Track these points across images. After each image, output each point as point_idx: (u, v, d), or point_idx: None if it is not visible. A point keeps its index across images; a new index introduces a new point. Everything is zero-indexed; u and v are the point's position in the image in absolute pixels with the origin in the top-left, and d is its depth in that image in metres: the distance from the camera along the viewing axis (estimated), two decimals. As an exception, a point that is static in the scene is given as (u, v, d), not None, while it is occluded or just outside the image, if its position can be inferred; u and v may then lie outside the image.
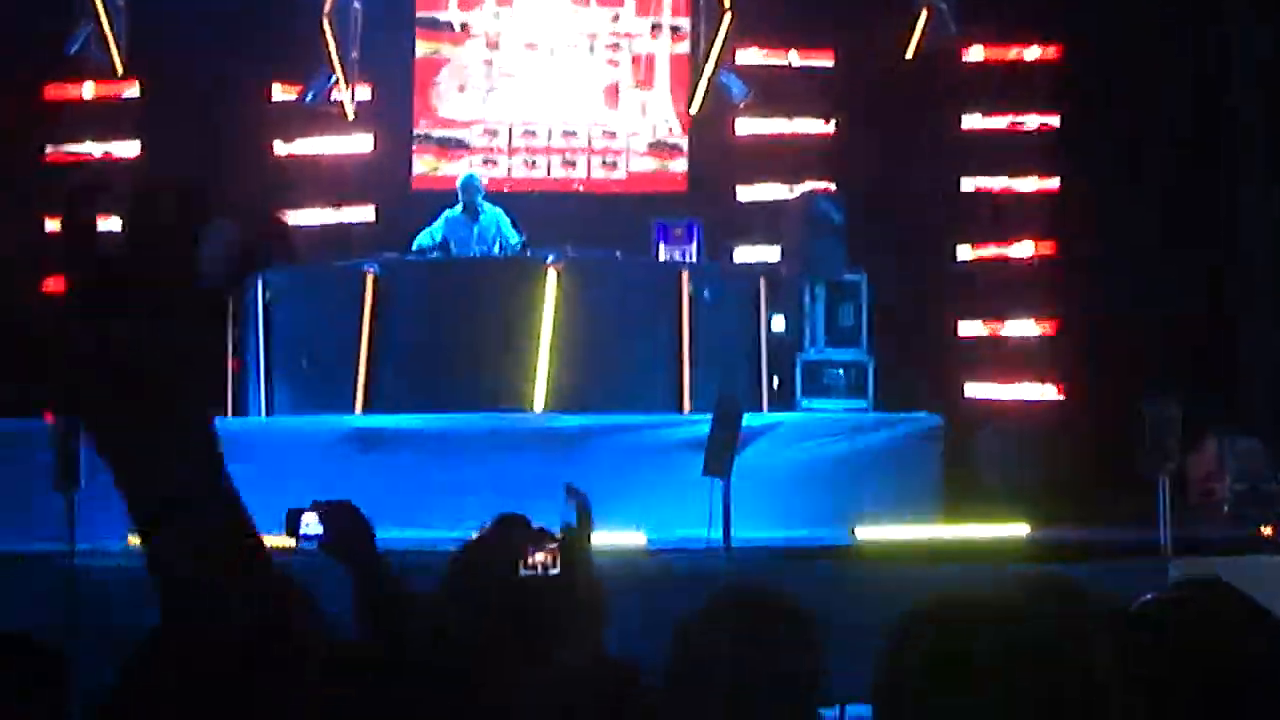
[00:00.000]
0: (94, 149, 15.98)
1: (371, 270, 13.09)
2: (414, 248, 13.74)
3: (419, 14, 16.53)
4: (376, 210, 16.13)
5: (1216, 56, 15.29)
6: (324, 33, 15.87)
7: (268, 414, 13.33)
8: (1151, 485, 10.69)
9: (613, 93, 16.50)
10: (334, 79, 15.95)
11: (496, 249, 13.59)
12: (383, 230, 15.62)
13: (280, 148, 16.23)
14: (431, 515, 10.06)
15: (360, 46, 16.08)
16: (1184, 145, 15.22)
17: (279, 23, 15.87)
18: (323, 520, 3.91)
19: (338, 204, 16.14)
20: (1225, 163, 15.25)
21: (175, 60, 15.34)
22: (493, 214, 13.86)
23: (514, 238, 13.68)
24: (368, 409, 12.74)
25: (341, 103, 16.03)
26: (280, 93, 16.20)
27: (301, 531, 3.91)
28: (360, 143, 16.27)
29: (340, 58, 15.92)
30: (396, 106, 16.37)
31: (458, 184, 14.10)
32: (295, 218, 16.04)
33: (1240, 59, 15.19)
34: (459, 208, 13.84)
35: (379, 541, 3.97)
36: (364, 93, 16.20)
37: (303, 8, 15.85)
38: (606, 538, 9.82)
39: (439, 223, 13.81)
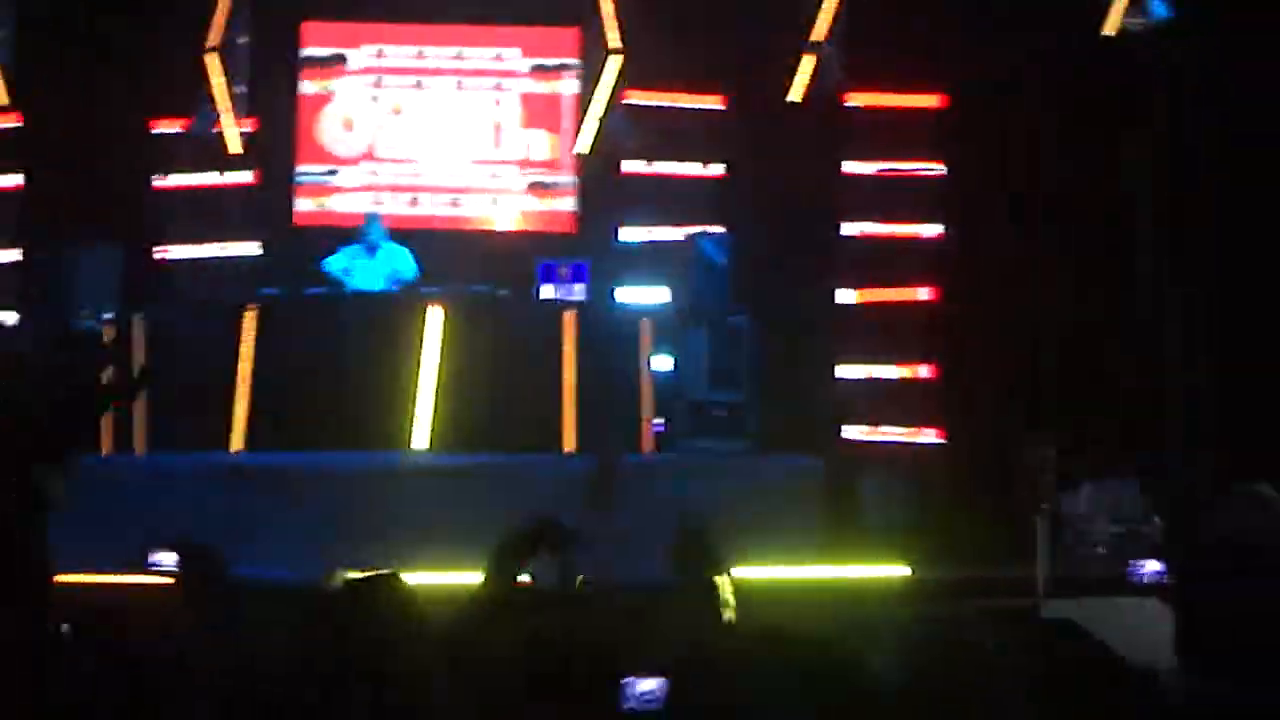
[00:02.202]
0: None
1: (252, 306, 13.02)
2: (325, 269, 13.71)
3: (304, 50, 16.46)
4: (260, 246, 16.03)
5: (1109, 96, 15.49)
6: (208, 67, 15.80)
7: (148, 450, 13.18)
8: (1029, 526, 10.80)
9: (499, 131, 16.50)
10: (218, 113, 15.86)
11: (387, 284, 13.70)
12: (265, 266, 15.53)
13: (162, 181, 16.09)
14: (306, 554, 9.96)
15: (245, 80, 16.01)
16: (1068, 194, 15.40)
17: (163, 56, 15.77)
18: (179, 556, 3.88)
19: (220, 239, 16.01)
20: (1109, 212, 15.43)
21: (57, 92, 15.21)
22: (391, 251, 13.94)
23: (410, 273, 13.79)
24: (246, 446, 12.64)
25: (225, 137, 15.93)
26: (162, 126, 16.07)
27: (155, 565, 3.88)
28: (243, 178, 16.16)
29: (225, 92, 15.84)
30: (280, 142, 16.28)
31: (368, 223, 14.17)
32: (176, 252, 15.93)
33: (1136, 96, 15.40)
34: (360, 244, 13.92)
35: (250, 577, 3.95)
36: (248, 127, 16.11)
37: (187, 42, 15.75)
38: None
39: (341, 255, 13.88)
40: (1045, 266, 15.19)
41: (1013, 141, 15.27)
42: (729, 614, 6.07)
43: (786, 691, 2.55)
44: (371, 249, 14.00)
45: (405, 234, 14.85)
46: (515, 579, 3.65)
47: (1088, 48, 15.06)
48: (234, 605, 3.90)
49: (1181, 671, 3.74)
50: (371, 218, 14.37)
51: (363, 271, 13.89)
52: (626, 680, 3.34)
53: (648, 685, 3.50)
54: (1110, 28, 15.11)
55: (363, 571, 3.77)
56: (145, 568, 3.83)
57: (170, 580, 3.93)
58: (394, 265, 13.97)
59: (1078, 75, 15.17)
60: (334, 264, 13.97)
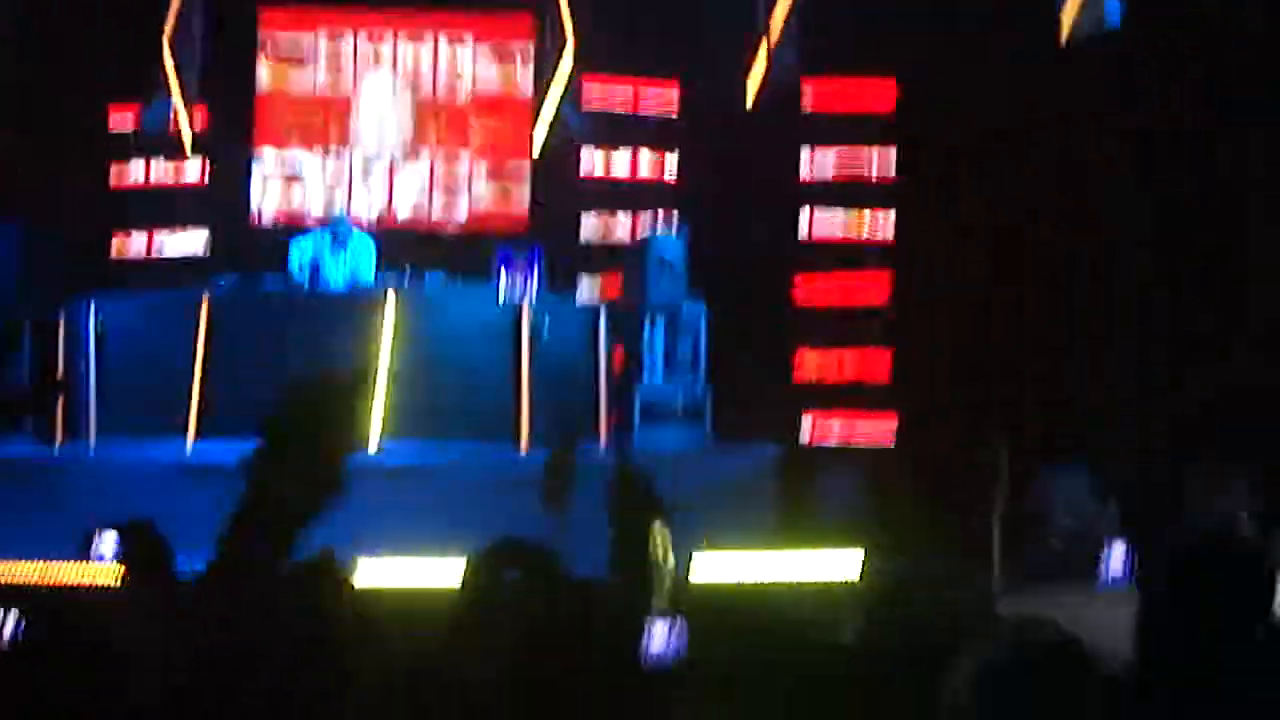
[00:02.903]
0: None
1: (207, 297, 12.96)
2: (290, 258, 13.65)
3: (261, 41, 16.39)
4: (214, 237, 15.96)
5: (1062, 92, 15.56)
6: (164, 58, 15.71)
7: (99, 442, 13.12)
8: (985, 518, 10.83)
9: (454, 122, 16.45)
10: (173, 103, 15.77)
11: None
12: (220, 258, 15.47)
13: (116, 173, 16.01)
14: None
15: (201, 72, 15.93)
16: (1021, 186, 15.45)
17: (117, 47, 15.69)
18: (121, 539, 3.84)
19: (174, 230, 15.94)
20: (1069, 192, 15.50)
21: (8, 83, 15.11)
22: (358, 245, 13.90)
23: (368, 276, 13.76)
24: (200, 438, 12.59)
25: (180, 129, 15.85)
26: (117, 118, 15.99)
27: (97, 552, 3.85)
28: (198, 170, 16.08)
29: (180, 83, 15.75)
30: (236, 132, 16.21)
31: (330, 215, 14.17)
32: (131, 244, 15.86)
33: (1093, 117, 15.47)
34: (325, 235, 13.85)
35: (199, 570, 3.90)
36: (204, 117, 16.03)
37: (142, 32, 15.66)
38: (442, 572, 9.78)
39: (308, 241, 13.84)
40: (998, 258, 15.25)
41: (967, 137, 15.32)
42: (668, 561, 6.02)
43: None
44: (339, 242, 13.91)
45: (362, 225, 14.80)
46: (485, 598, 3.61)
47: (1045, 49, 15.13)
48: (180, 595, 3.86)
49: (1138, 663, 3.77)
50: (339, 211, 14.31)
51: (328, 266, 13.80)
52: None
53: (662, 631, 3.50)
54: (1065, 32, 15.16)
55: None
56: (88, 558, 3.80)
57: (116, 570, 3.88)
58: (357, 263, 13.90)
59: (1033, 75, 15.23)
60: (300, 253, 13.88)
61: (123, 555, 3.89)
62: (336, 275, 13.80)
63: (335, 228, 13.99)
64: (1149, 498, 12.16)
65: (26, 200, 14.70)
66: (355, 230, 14.14)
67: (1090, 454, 13.87)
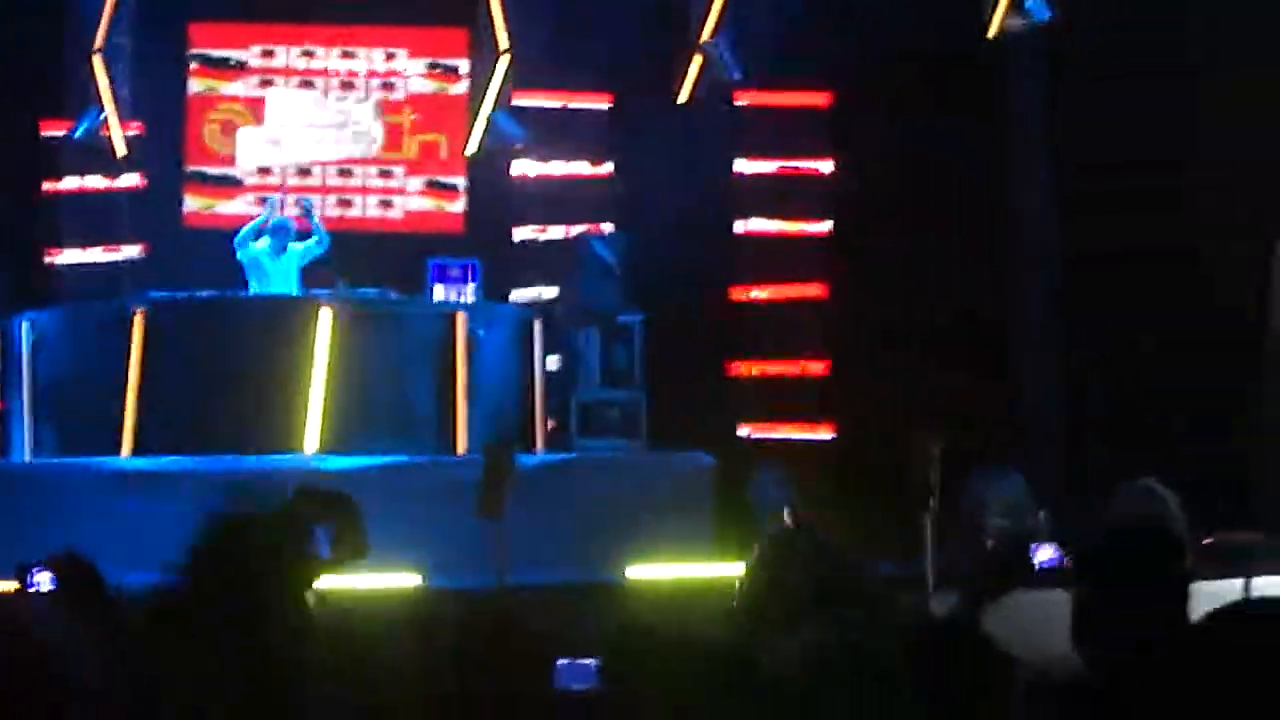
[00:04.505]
0: None
1: (140, 309, 12.90)
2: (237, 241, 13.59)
3: (192, 51, 16.35)
4: (147, 249, 15.89)
5: (990, 98, 15.69)
6: (94, 69, 15.66)
7: (33, 456, 13.06)
8: (919, 521, 10.91)
9: (389, 132, 16.46)
10: (104, 116, 15.70)
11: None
12: (153, 269, 15.40)
13: (49, 185, 15.93)
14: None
15: (131, 83, 15.87)
16: (955, 183, 15.57)
17: (49, 58, 15.62)
18: (54, 575, 3.85)
19: (107, 242, 15.87)
20: (996, 199, 15.63)
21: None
22: (295, 254, 13.78)
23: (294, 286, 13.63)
24: (136, 451, 12.53)
25: (111, 139, 15.78)
26: (49, 129, 15.91)
27: (33, 588, 3.87)
28: (131, 180, 16.01)
29: (111, 94, 15.69)
30: (168, 143, 16.16)
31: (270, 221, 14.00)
32: (64, 256, 15.78)
33: (1016, 98, 15.61)
34: (264, 242, 13.71)
35: (135, 584, 3.92)
36: (136, 130, 15.97)
37: (72, 43, 15.60)
38: (380, 579, 9.78)
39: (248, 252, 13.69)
40: (932, 263, 15.36)
41: (899, 140, 15.43)
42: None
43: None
44: (278, 250, 13.77)
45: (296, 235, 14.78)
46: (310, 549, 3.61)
47: (973, 48, 15.26)
48: (116, 614, 3.87)
49: (1073, 660, 3.82)
50: (281, 222, 14.14)
51: (268, 274, 13.66)
52: (561, 663, 3.36)
53: (581, 666, 3.51)
54: (993, 29, 15.30)
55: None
56: (23, 585, 3.82)
57: (50, 591, 3.89)
58: (295, 270, 13.76)
59: (960, 75, 15.36)
60: (244, 260, 13.71)
61: (56, 587, 3.90)
62: (277, 282, 13.65)
63: (275, 235, 13.83)
64: (1079, 503, 12.31)
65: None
66: (294, 237, 14.01)
67: (1021, 459, 14.03)
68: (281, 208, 14.70)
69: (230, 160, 16.29)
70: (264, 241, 13.76)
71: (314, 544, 3.38)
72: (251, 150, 16.31)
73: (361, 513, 3.23)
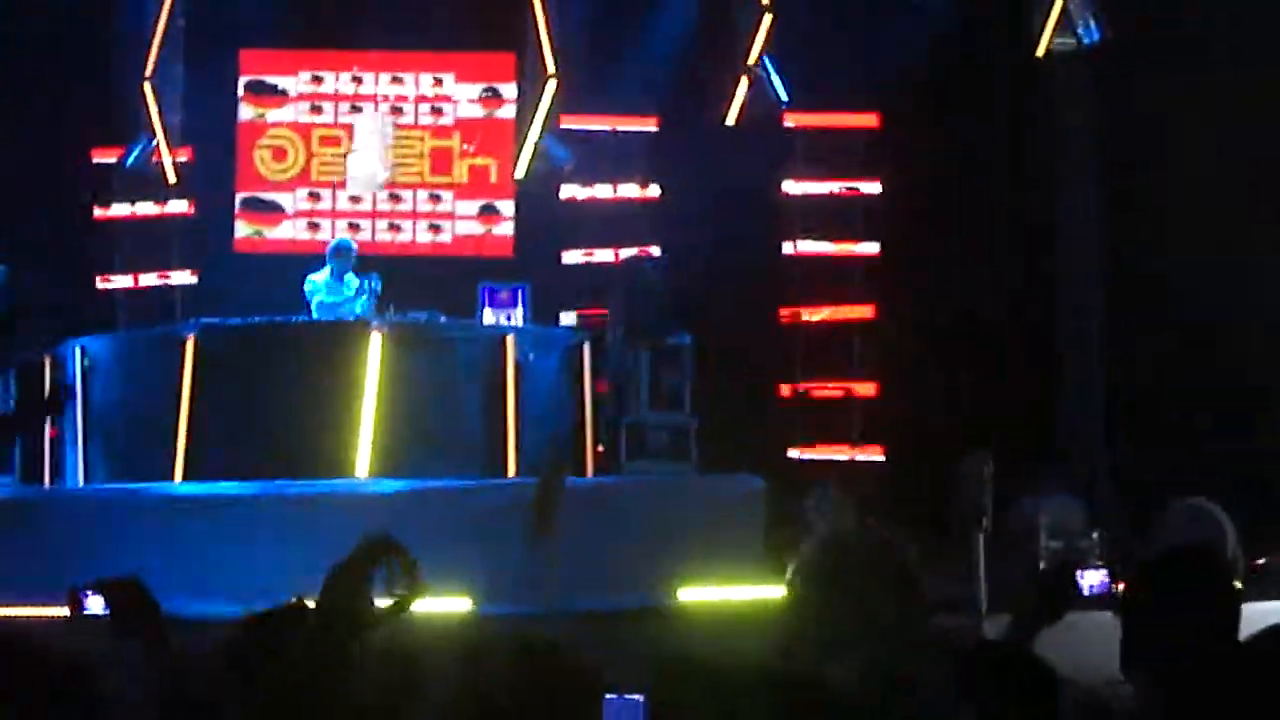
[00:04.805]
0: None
1: (191, 335, 12.94)
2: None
3: (243, 78, 16.45)
4: (198, 274, 15.98)
5: (1034, 122, 15.67)
6: (144, 96, 15.79)
7: (85, 481, 13.12)
8: (970, 543, 10.85)
9: (438, 157, 16.52)
10: (154, 142, 15.82)
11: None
12: (204, 294, 15.49)
13: (100, 211, 16.04)
14: (253, 585, 9.91)
15: (182, 110, 15.99)
16: (1002, 211, 15.55)
17: (100, 86, 15.75)
18: (106, 600, 3.84)
19: (158, 268, 15.97)
20: (1043, 225, 15.60)
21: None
22: (356, 283, 13.67)
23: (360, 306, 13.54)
24: (188, 477, 12.56)
25: (163, 166, 15.90)
26: (100, 156, 16.03)
27: (85, 611, 3.86)
28: (181, 207, 16.12)
29: (162, 121, 15.82)
30: (218, 170, 16.26)
31: (328, 248, 13.96)
32: (116, 282, 15.89)
33: (1061, 133, 15.57)
34: (325, 272, 13.66)
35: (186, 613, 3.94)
36: (186, 156, 16.08)
37: (123, 71, 15.73)
38: (431, 604, 9.78)
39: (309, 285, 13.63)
40: (982, 282, 15.33)
41: (947, 159, 15.41)
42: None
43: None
44: (337, 275, 13.70)
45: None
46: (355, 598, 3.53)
47: (1021, 69, 15.25)
48: (166, 642, 3.86)
49: (1124, 684, 3.80)
50: (343, 244, 14.06)
51: (325, 299, 13.61)
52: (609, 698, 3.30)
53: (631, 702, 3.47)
54: (1041, 48, 15.28)
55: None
56: (76, 612, 3.83)
57: (102, 617, 3.89)
58: (354, 296, 13.67)
59: (1009, 94, 15.34)
60: (307, 287, 13.66)
61: (110, 613, 3.89)
62: (336, 308, 13.56)
63: (336, 257, 13.72)
64: (1135, 523, 12.24)
65: (10, 242, 14.73)
66: (354, 263, 13.91)
67: (1070, 478, 13.97)
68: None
69: (279, 186, 16.36)
70: (325, 272, 13.71)
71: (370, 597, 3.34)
72: (299, 175, 16.36)
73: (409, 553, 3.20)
